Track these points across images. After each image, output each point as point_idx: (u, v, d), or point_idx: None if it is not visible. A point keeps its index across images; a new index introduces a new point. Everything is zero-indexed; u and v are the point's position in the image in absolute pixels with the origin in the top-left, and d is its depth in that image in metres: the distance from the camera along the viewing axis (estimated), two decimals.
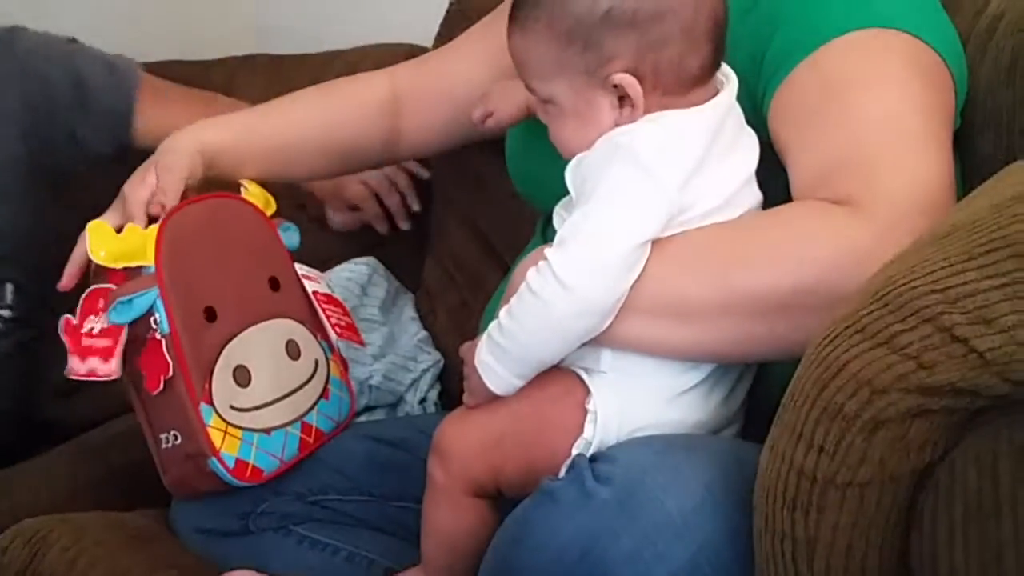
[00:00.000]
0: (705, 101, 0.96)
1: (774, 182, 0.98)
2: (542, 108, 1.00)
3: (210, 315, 1.15)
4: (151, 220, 1.17)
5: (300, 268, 1.26)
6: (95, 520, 1.24)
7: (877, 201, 0.90)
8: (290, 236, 1.26)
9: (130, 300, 1.11)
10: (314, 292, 1.25)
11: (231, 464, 1.14)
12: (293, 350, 1.21)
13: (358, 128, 1.34)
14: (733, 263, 0.93)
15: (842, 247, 0.89)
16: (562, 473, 0.92)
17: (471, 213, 1.60)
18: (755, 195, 0.99)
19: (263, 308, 1.20)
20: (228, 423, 1.14)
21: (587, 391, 0.96)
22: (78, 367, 1.12)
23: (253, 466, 1.16)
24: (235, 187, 1.25)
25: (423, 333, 1.58)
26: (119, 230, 1.16)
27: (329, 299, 1.27)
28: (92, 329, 1.12)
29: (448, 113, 1.34)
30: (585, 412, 0.96)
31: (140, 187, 1.18)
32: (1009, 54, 1.07)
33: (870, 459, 0.71)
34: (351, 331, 1.27)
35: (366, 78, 1.39)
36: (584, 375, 0.97)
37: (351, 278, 1.56)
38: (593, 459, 0.90)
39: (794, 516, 0.75)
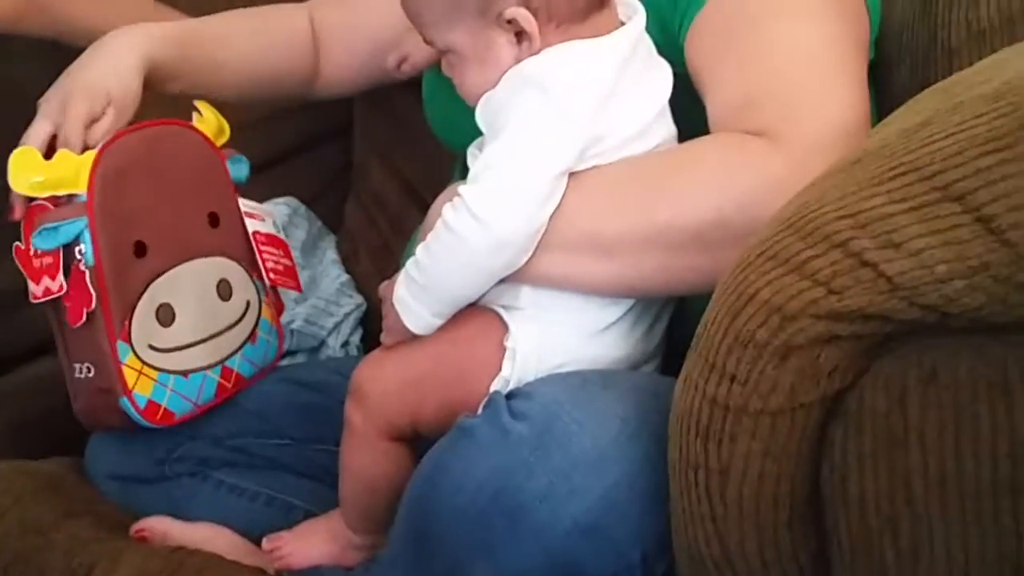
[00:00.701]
0: (609, 31, 0.95)
1: (691, 114, 0.97)
2: (444, 60, 0.99)
3: (139, 250, 1.11)
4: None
5: (246, 204, 1.22)
6: (6, 467, 1.21)
7: (794, 133, 0.90)
8: (239, 168, 1.21)
9: (56, 227, 1.07)
10: (255, 232, 1.21)
11: (142, 405, 1.11)
12: (224, 290, 1.17)
13: (286, 56, 1.32)
14: (652, 196, 0.92)
15: (759, 179, 0.89)
16: (479, 411, 0.91)
17: (393, 155, 1.58)
18: (669, 127, 0.98)
19: (198, 245, 1.16)
20: (144, 363, 1.11)
21: (506, 328, 0.96)
22: (35, 290, 1.09)
23: (165, 408, 1.13)
24: (188, 109, 1.21)
25: (345, 276, 1.57)
26: (51, 147, 1.11)
27: (271, 240, 1.24)
28: (37, 249, 1.08)
29: (367, 53, 1.33)
30: (504, 350, 0.95)
31: (83, 109, 1.11)
32: None
33: (781, 387, 0.71)
34: (288, 276, 1.24)
35: (288, 9, 1.36)
36: (503, 312, 0.96)
37: None
38: (510, 396, 0.89)
39: (707, 446, 0.74)
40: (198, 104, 1.21)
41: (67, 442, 1.25)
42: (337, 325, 1.50)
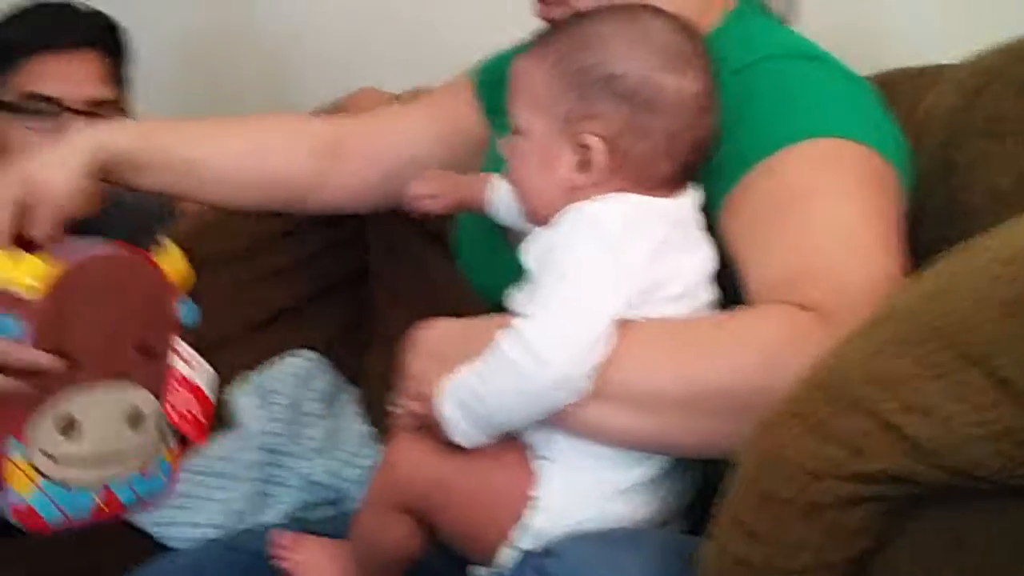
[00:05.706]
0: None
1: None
2: (510, 141, 1.01)
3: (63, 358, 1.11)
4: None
5: (187, 351, 1.21)
6: None
7: (841, 309, 0.90)
8: (188, 311, 1.20)
9: None
10: (173, 369, 1.20)
11: (17, 502, 1.11)
12: (135, 420, 1.17)
13: (288, 156, 1.31)
14: (701, 359, 0.92)
15: (806, 354, 0.85)
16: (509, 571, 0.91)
17: (416, 303, 1.59)
18: (714, 291, 1.00)
19: (121, 368, 1.15)
20: (33, 466, 1.11)
21: (536, 478, 0.95)
22: None
23: (38, 515, 1.13)
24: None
25: (367, 428, 1.56)
26: None
27: (188, 386, 1.21)
28: None
29: (388, 168, 1.33)
30: (529, 497, 0.95)
31: (2, 211, 1.11)
32: (940, 152, 1.10)
33: (806, 546, 0.71)
34: (194, 425, 1.22)
35: (309, 116, 1.37)
36: (533, 460, 0.96)
37: (292, 372, 1.55)
38: (538, 554, 0.89)
39: None
40: (166, 242, 1.20)
41: None
42: (361, 478, 1.50)
